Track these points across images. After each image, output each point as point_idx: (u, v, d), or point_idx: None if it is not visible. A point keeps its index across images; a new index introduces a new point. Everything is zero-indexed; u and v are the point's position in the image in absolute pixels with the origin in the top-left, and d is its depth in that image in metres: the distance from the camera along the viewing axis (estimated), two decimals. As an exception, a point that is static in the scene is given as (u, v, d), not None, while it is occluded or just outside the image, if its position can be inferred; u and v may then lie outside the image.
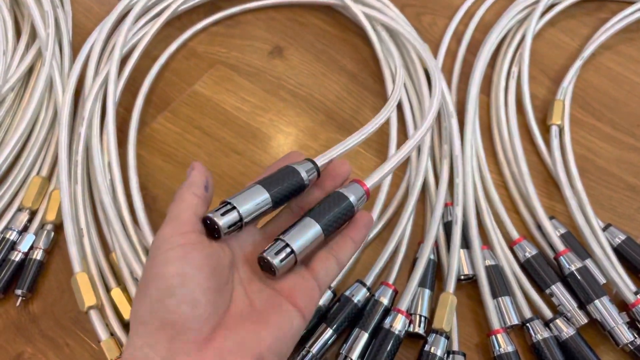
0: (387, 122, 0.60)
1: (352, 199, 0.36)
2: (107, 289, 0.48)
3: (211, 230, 0.33)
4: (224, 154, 0.58)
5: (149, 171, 0.57)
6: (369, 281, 0.49)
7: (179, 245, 0.30)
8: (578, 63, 0.63)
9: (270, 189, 0.34)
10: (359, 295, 0.47)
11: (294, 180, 0.36)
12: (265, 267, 0.33)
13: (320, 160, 0.39)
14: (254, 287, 0.33)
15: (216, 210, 0.33)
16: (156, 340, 0.28)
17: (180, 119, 0.60)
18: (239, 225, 0.33)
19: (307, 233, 0.34)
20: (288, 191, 0.35)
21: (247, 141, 0.59)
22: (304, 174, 0.36)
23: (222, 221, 0.32)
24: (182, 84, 0.63)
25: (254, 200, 0.34)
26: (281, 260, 0.33)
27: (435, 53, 0.66)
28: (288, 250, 0.33)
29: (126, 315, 0.47)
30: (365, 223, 0.37)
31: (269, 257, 0.33)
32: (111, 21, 0.62)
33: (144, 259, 0.49)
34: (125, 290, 0.48)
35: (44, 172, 0.54)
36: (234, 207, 0.33)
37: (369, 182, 0.38)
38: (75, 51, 0.62)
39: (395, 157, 0.41)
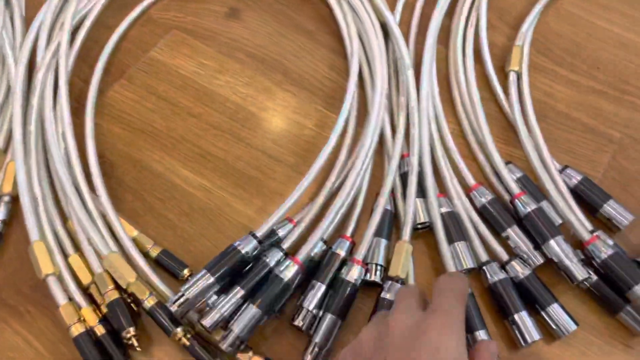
0: (344, 77, 0.59)
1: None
2: (66, 256, 0.49)
3: None
4: (180, 118, 0.57)
5: (106, 139, 0.56)
6: (325, 235, 0.49)
7: None
8: (537, 7, 0.62)
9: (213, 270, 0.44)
10: (317, 248, 0.48)
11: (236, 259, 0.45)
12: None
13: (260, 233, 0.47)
14: None
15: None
16: None
17: (137, 86, 0.60)
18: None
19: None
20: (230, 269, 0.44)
21: (203, 104, 0.58)
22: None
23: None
24: (137, 51, 0.62)
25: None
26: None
27: (392, 6, 0.65)
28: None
29: (85, 280, 0.47)
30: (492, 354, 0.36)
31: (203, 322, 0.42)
32: (61, -9, 0.61)
33: (100, 224, 0.49)
34: (82, 256, 0.48)
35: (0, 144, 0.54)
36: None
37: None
38: (28, 24, 0.62)
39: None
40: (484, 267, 0.47)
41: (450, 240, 0.48)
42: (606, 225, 0.50)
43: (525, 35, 0.61)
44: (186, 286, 0.43)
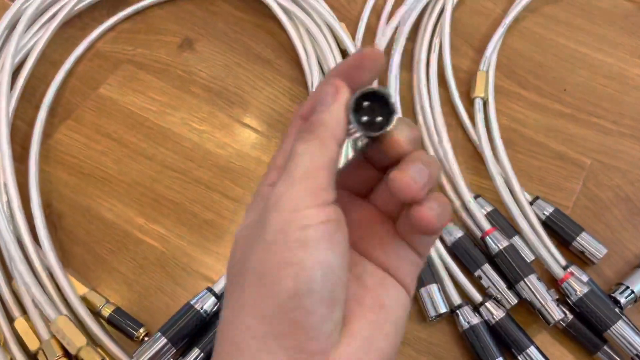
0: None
1: None
2: (12, 320, 0.45)
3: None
4: (133, 160, 0.54)
5: (53, 186, 0.53)
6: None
7: (320, 223, 0.23)
8: (500, 30, 0.61)
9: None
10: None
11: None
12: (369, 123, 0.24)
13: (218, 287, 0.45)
14: (355, 259, 0.27)
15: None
16: (280, 347, 0.22)
17: (85, 127, 0.56)
18: None
19: None
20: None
21: (157, 144, 0.55)
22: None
23: None
24: (85, 89, 0.59)
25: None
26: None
27: (354, 31, 0.62)
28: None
29: (32, 346, 0.44)
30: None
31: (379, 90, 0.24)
32: (1, 29, 0.58)
33: (47, 283, 0.46)
34: (29, 319, 0.45)
35: (-64, 199, 0.50)
36: None
37: None
38: (-34, 63, 0.58)
39: None
40: (458, 312, 0.45)
41: (421, 284, 0.46)
42: (580, 258, 0.49)
43: (489, 59, 0.59)
44: (138, 352, 0.40)
